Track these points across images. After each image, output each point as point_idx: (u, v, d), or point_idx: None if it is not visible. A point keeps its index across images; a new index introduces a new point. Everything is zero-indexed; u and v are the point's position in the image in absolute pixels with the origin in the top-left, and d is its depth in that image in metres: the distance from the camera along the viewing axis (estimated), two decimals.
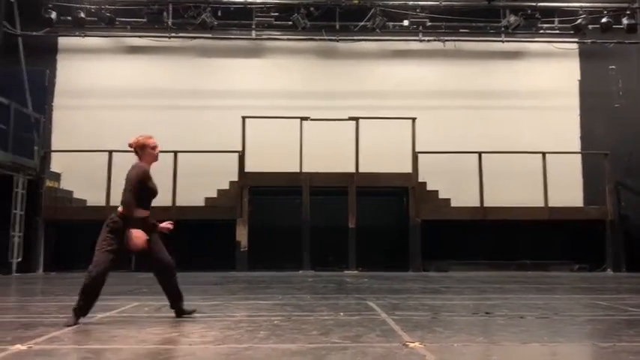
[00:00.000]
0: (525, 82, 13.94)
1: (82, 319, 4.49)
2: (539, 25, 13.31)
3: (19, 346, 3.49)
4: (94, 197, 12.00)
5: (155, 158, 4.88)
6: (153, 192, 4.76)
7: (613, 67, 13.98)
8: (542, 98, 13.74)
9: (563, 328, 4.50)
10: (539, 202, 12.14)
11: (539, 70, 14.03)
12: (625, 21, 12.28)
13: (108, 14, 12.51)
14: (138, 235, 4.48)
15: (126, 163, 13.14)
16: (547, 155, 12.31)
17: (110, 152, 11.92)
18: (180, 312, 4.84)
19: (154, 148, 4.83)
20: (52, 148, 13.00)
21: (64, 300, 6.49)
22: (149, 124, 13.18)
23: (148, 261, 4.85)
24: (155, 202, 12.47)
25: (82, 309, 4.48)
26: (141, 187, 4.60)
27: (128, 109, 13.37)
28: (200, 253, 12.29)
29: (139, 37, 13.40)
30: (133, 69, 13.76)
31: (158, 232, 4.90)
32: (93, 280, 4.52)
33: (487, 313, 5.21)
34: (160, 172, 12.60)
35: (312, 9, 12.53)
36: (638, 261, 12.06)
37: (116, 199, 12.24)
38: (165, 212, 11.75)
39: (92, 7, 12.53)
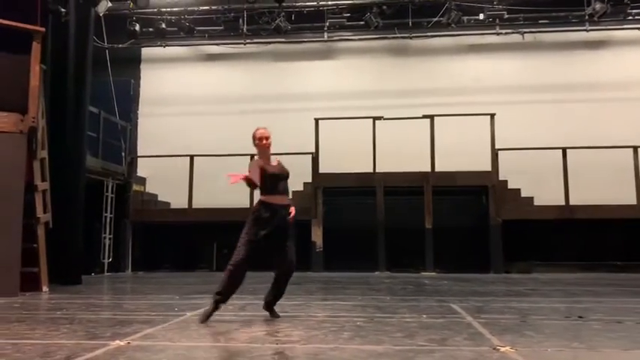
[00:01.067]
0: (612, 72, 13.12)
1: (173, 318, 4.67)
2: (628, 12, 12.47)
3: (118, 342, 3.69)
4: (177, 200, 12.55)
5: (262, 149, 4.95)
6: (274, 177, 4.80)
7: None
8: (631, 89, 12.90)
9: None
10: (630, 200, 11.38)
11: (628, 59, 13.17)
12: None
13: (187, 24, 13.03)
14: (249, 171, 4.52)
15: (206, 166, 13.71)
16: (638, 149, 11.53)
17: (192, 157, 12.40)
18: (271, 310, 4.94)
19: (259, 139, 4.94)
20: (138, 154, 13.67)
21: (152, 299, 6.82)
22: (227, 129, 13.63)
23: (279, 257, 4.87)
24: (234, 204, 12.76)
25: (222, 298, 4.66)
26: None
27: (207, 115, 13.87)
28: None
29: (217, 44, 13.86)
30: (211, 76, 14.24)
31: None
32: (229, 272, 4.70)
33: (580, 317, 4.94)
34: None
35: (384, 7, 12.43)
36: None
37: (198, 201, 12.80)
38: (244, 213, 12.14)
39: (172, 17, 13.09)
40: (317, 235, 11.91)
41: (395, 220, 11.81)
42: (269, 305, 4.95)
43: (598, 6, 11.70)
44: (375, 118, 12.11)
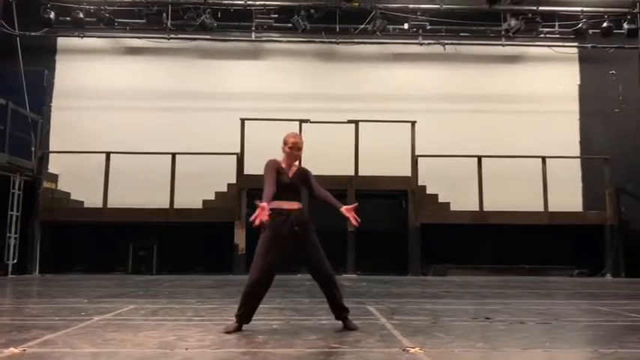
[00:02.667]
0: (525, 86, 13.91)
1: (77, 323, 4.42)
2: (540, 30, 13.28)
3: (12, 350, 3.42)
4: (92, 199, 11.97)
5: (289, 155, 4.68)
6: (280, 184, 4.48)
7: (613, 71, 13.97)
8: (542, 102, 13.72)
9: (565, 334, 4.45)
10: (539, 207, 12.09)
11: (540, 75, 14.01)
12: (625, 26, 12.27)
13: (107, 15, 12.47)
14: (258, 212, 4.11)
15: (124, 164, 13.24)
16: (547, 159, 12.28)
17: (108, 154, 11.88)
18: (343, 322, 4.49)
19: (290, 148, 4.65)
20: (50, 149, 12.95)
21: (59, 302, 6.43)
22: (147, 126, 13.21)
23: (307, 266, 4.67)
24: (153, 204, 12.46)
25: (243, 315, 4.37)
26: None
27: (127, 111, 13.35)
28: (197, 256, 12.25)
29: (138, 38, 13.37)
30: (132, 70, 13.72)
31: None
32: (248, 285, 4.45)
33: (487, 318, 5.15)
34: (158, 174, 12.65)
35: (312, 11, 12.49)
36: (638, 267, 12.02)
37: (114, 201, 12.29)
38: (163, 214, 11.78)
39: (91, 7, 12.48)
40: (240, 238, 11.74)
41: (318, 222, 11.76)
42: (338, 318, 4.50)
43: (513, 22, 12.38)
44: (301, 121, 12.11)
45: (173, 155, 11.94)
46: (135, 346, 3.72)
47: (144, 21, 12.77)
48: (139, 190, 12.11)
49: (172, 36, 13.09)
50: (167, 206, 11.72)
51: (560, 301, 7.18)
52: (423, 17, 12.75)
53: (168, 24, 12.74)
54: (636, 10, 12.05)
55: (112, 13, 12.61)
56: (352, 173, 12.01)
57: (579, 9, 12.58)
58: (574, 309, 6.27)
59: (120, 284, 8.97)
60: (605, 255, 12.06)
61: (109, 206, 11.68)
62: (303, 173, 4.75)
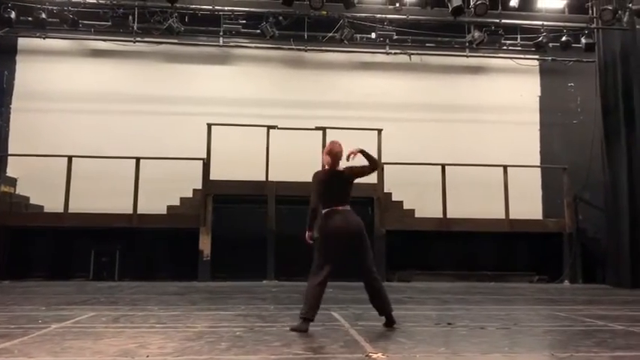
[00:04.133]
0: (488, 96, 14.24)
1: (34, 331, 4.31)
2: (503, 42, 13.62)
3: None
4: (52, 204, 11.64)
5: (327, 162, 5.16)
6: (324, 189, 5.01)
7: (572, 84, 14.44)
8: (504, 113, 14.06)
9: (523, 339, 4.57)
10: (500, 215, 12.37)
11: (502, 86, 14.37)
12: (583, 40, 12.68)
13: (71, 16, 12.18)
14: None
15: (86, 168, 12.97)
16: (508, 168, 12.58)
17: (70, 157, 11.60)
18: (388, 322, 4.99)
19: (325, 152, 5.15)
20: (9, 152, 12.57)
21: (15, 310, 6.24)
22: (111, 130, 12.98)
23: (358, 267, 5.03)
24: (116, 210, 12.25)
25: (308, 314, 4.67)
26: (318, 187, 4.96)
27: (90, 114, 13.07)
28: (161, 263, 12.07)
29: (103, 40, 13.12)
30: (96, 73, 13.45)
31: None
32: (309, 286, 4.85)
33: (449, 323, 5.25)
34: (121, 179, 12.41)
35: (280, 18, 12.49)
36: (594, 273, 12.42)
37: (76, 205, 12.02)
38: (126, 219, 11.57)
39: (54, 8, 12.18)
40: (205, 244, 11.61)
41: (286, 228, 11.83)
42: (387, 320, 4.98)
43: (477, 34, 12.65)
44: (269, 127, 12.10)
45: (137, 160, 11.75)
46: (94, 354, 3.65)
47: (109, 23, 12.54)
48: (101, 194, 11.87)
49: (138, 39, 12.89)
50: (130, 211, 11.52)
51: (520, 306, 7.36)
52: (390, 27, 12.91)
53: (135, 27, 12.55)
54: (593, 25, 12.48)
55: (76, 14, 12.33)
56: None
57: (540, 23, 12.94)
58: (533, 314, 6.44)
59: (80, 291, 8.77)
60: (563, 261, 12.42)
61: (70, 211, 11.41)
62: (342, 173, 5.13)
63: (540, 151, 14.15)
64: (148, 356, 3.55)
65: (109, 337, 4.31)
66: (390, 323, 4.96)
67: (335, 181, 5.03)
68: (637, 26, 10.54)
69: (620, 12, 11.10)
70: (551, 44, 13.02)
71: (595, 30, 12.47)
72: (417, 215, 12.34)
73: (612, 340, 4.36)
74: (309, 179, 12.71)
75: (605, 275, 11.96)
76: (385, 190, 12.27)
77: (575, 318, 5.91)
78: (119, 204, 11.50)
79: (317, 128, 12.21)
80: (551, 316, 6.11)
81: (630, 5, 10.49)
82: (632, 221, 10.86)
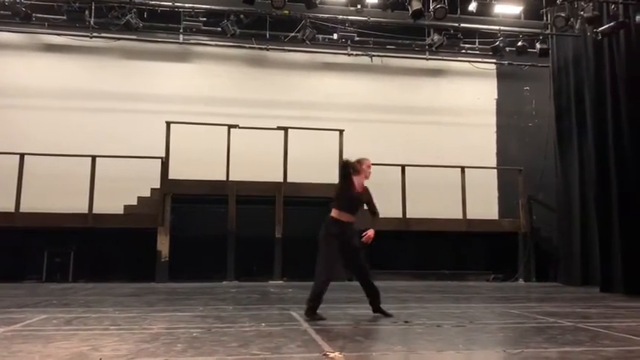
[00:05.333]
0: (448, 99, 14.51)
1: None
2: (461, 45, 13.92)
3: None
4: (3, 203, 11.19)
5: (363, 177, 5.78)
6: (347, 198, 5.64)
7: (527, 88, 14.87)
8: (462, 115, 14.35)
9: (478, 336, 4.67)
10: (458, 215, 12.62)
11: (460, 88, 14.66)
12: (538, 45, 13.07)
13: (23, 9, 11.78)
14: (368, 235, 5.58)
15: (39, 166, 12.55)
16: (466, 169, 12.86)
17: (22, 155, 11.23)
18: (377, 309, 5.64)
19: (367, 167, 5.81)
20: None
21: None
22: (66, 127, 12.61)
23: (351, 266, 5.81)
24: (71, 209, 11.92)
25: (313, 305, 5.35)
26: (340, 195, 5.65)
27: (44, 110, 12.68)
28: (118, 264, 11.80)
29: (58, 35, 12.73)
30: (50, 68, 13.04)
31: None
32: (314, 285, 5.45)
33: (406, 322, 5.32)
34: (76, 178, 12.08)
35: (242, 16, 12.41)
36: (547, 271, 12.83)
37: (27, 205, 11.61)
38: (81, 220, 11.26)
39: (5, 0, 11.77)
40: (163, 244, 11.42)
41: (246, 229, 11.77)
42: (376, 309, 5.66)
43: (436, 38, 12.88)
44: (230, 126, 12.00)
45: (93, 158, 11.47)
46: (44, 357, 3.54)
47: (64, 17, 12.19)
48: (55, 193, 11.53)
49: (95, 35, 12.58)
50: (86, 211, 11.23)
51: (476, 304, 7.53)
52: (352, 29, 13.01)
53: (91, 22, 12.24)
54: (548, 31, 12.88)
55: (29, 7, 11.93)
56: (281, 180, 12.02)
57: (497, 28, 13.28)
58: (488, 312, 6.60)
59: (32, 293, 8.49)
60: (518, 260, 12.78)
61: (21, 210, 11.03)
62: (364, 192, 5.79)
63: (497, 153, 14.52)
64: (100, 359, 3.47)
65: (60, 340, 4.19)
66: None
67: (360, 196, 5.78)
68: (588, 33, 10.92)
69: (572, 19, 11.49)
70: (507, 49, 13.37)
71: (549, 36, 12.87)
72: None
73: (561, 336, 4.51)
74: (271, 179, 12.78)
75: (557, 273, 12.36)
76: None
77: (527, 315, 6.08)
78: (74, 203, 11.20)
79: (279, 128, 12.19)
80: (505, 314, 6.27)
81: (582, 13, 10.86)
82: (583, 221, 11.24)
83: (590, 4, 10.68)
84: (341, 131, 12.34)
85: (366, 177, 5.76)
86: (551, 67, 12.81)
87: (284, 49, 13.54)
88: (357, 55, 13.79)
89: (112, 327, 4.81)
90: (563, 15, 11.44)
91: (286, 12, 12.07)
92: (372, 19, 12.64)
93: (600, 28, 10.37)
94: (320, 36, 13.05)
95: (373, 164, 12.72)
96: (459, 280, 12.22)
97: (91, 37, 12.55)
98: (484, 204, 13.40)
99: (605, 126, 10.05)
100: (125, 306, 6.67)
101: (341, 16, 12.73)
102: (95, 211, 11.27)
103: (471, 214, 12.65)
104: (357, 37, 13.20)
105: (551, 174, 12.57)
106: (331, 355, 3.58)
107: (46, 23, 12.48)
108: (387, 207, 12.36)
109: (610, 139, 9.87)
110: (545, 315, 6.02)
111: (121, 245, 11.68)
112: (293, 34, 12.77)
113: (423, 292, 9.16)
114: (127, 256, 11.76)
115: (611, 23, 10.12)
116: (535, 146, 13.77)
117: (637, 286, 8.59)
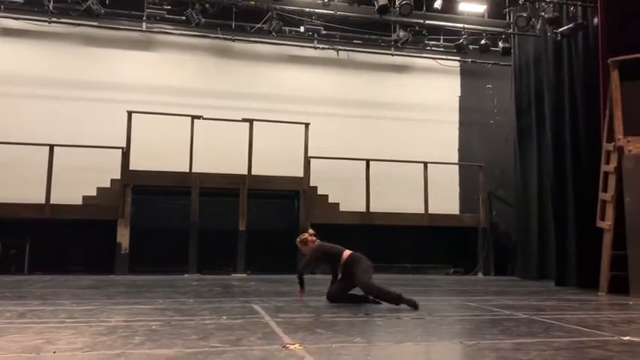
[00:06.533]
0: (412, 95, 14.66)
1: None
2: (426, 42, 14.08)
3: None
4: None
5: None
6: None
7: (490, 86, 15.17)
8: (426, 111, 14.54)
9: (436, 328, 4.76)
10: (420, 209, 12.82)
11: (425, 85, 14.83)
12: (501, 44, 13.33)
13: None
14: None
15: None
16: (428, 165, 13.05)
17: None
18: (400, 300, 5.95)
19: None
20: None
21: None
22: (23, 115, 12.21)
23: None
24: (26, 199, 11.58)
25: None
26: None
27: (0, 97, 12.24)
28: (76, 255, 11.53)
29: (15, 19, 12.27)
30: (6, 53, 12.57)
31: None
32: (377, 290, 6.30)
33: (366, 314, 5.38)
34: (33, 167, 11.75)
35: (207, 6, 12.23)
36: (505, 266, 13.17)
37: None
38: (38, 210, 10.94)
39: None
40: (123, 236, 11.21)
41: (209, 221, 11.67)
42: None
43: (402, 34, 12.97)
44: (193, 117, 11.84)
45: (51, 147, 11.15)
46: None
47: (21, 1, 11.76)
48: (10, 183, 11.17)
49: (54, 20, 12.19)
50: (43, 201, 10.92)
51: (436, 297, 7.67)
52: (318, 22, 12.97)
53: (50, 7, 11.85)
54: (510, 30, 13.16)
55: None
56: (245, 172, 11.95)
57: (461, 25, 13.47)
58: (447, 304, 6.73)
59: None
60: (477, 255, 13.07)
61: None
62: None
63: (459, 149, 14.78)
64: (55, 352, 3.38)
65: (12, 333, 4.06)
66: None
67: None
68: (548, 34, 11.19)
69: (533, 19, 11.75)
70: (471, 47, 13.58)
71: (511, 35, 13.14)
72: (341, 209, 12.54)
73: (516, 328, 4.64)
74: (234, 171, 12.71)
75: (514, 268, 12.70)
76: (311, 184, 12.37)
77: (484, 308, 6.23)
78: (30, 193, 10.88)
79: (244, 120, 12.11)
80: (463, 306, 6.41)
81: (543, 14, 11.13)
82: (540, 218, 11.57)
83: (551, 5, 10.96)
84: (307, 124, 12.34)
85: (313, 242, 7.04)
86: (513, 65, 13.09)
87: (250, 41, 13.42)
88: (323, 48, 13.79)
89: (68, 320, 4.70)
90: (524, 15, 11.69)
91: (252, 2, 11.96)
92: (338, 13, 12.62)
93: (560, 29, 10.66)
94: (287, 28, 12.97)
95: (338, 158, 12.94)
96: (420, 274, 12.42)
97: (49, 22, 12.15)
98: (446, 199, 13.65)
99: (562, 124, 10.36)
100: (83, 299, 6.53)
101: (308, 9, 12.68)
102: (53, 201, 10.98)
103: (433, 209, 12.87)
104: (324, 30, 13.18)
105: (511, 171, 12.88)
106: (291, 347, 3.59)
107: (2, 6, 12.02)
108: (351, 201, 12.60)
109: (567, 131, 10.18)
110: (501, 308, 6.18)
111: (80, 237, 11.43)
112: (259, 25, 12.66)
113: (383, 285, 9.24)
114: (85, 248, 11.51)
115: (570, 25, 10.42)
116: (496, 143, 14.07)
117: (589, 280, 8.89)
